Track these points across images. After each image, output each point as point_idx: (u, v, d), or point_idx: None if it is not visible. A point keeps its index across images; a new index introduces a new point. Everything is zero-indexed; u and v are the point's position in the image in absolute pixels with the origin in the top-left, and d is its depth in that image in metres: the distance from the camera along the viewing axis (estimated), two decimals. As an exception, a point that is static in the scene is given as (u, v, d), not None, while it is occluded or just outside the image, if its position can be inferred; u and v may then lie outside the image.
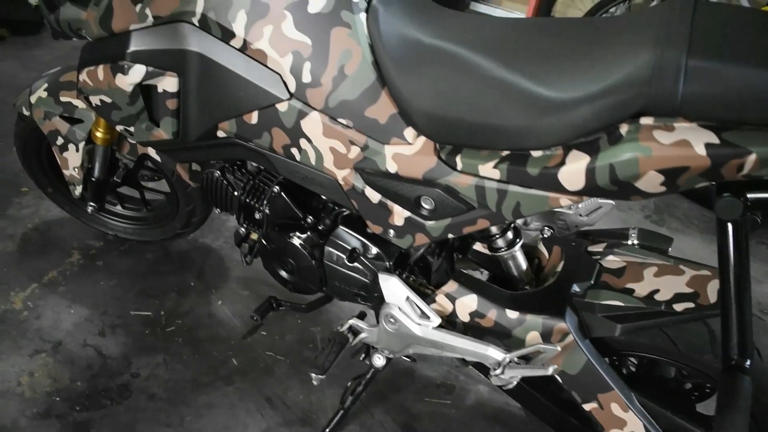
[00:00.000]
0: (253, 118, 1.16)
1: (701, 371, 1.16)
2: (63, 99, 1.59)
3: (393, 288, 1.28)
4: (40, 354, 1.65)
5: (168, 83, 1.18)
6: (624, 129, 0.86)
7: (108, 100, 1.26)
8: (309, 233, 1.37)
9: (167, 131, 1.26)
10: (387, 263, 1.32)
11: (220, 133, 1.23)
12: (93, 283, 1.88)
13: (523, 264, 1.30)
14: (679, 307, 1.08)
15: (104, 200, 1.79)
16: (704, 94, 0.77)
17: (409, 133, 1.06)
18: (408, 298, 1.28)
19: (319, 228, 1.38)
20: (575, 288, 1.20)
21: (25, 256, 1.94)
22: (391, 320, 1.31)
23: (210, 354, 1.71)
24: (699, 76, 0.77)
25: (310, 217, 1.38)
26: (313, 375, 1.37)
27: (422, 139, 1.06)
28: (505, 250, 1.27)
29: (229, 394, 1.62)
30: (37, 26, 3.35)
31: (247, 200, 1.46)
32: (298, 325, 1.84)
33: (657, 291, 1.14)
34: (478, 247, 1.38)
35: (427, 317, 1.27)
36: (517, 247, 1.27)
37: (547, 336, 1.19)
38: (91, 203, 1.75)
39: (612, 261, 1.24)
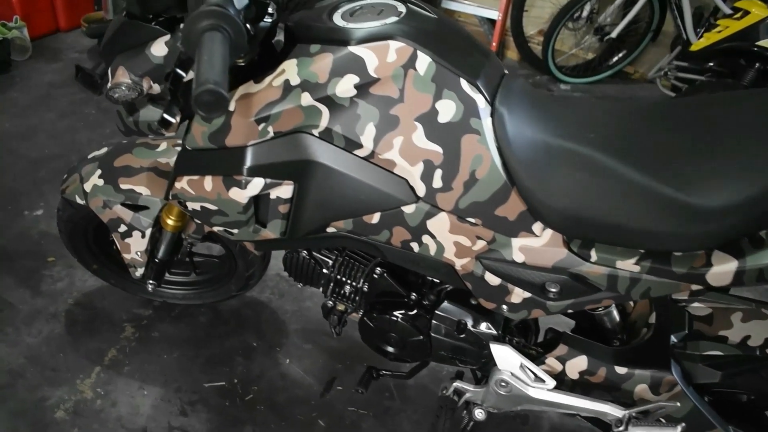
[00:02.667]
0: (374, 218, 1.16)
1: None
2: (123, 186, 1.53)
3: (506, 356, 1.34)
4: (126, 444, 1.62)
5: (283, 191, 1.17)
6: (764, 233, 0.93)
7: (213, 207, 1.23)
8: (415, 310, 1.40)
9: (275, 231, 1.25)
10: (496, 332, 1.36)
11: (331, 229, 1.23)
12: (156, 357, 1.85)
13: (617, 317, 1.37)
14: None
15: (163, 277, 1.75)
16: None
17: (537, 226, 1.11)
18: (522, 364, 1.33)
19: (424, 303, 1.41)
20: (673, 339, 1.29)
21: (77, 337, 1.87)
22: (503, 384, 1.37)
23: (295, 418, 1.72)
24: None
25: (414, 293, 1.41)
26: None
27: (550, 231, 1.11)
28: (603, 309, 1.34)
29: (326, 459, 1.65)
30: (5, 65, 3.14)
31: (338, 277, 1.47)
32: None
33: (749, 337, 1.25)
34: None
35: (542, 380, 1.34)
36: (613, 304, 1.34)
37: (655, 388, 1.28)
38: (152, 282, 1.71)
39: (699, 308, 1.34)
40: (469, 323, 1.38)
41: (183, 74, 0.98)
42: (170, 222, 1.52)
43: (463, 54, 1.09)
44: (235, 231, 1.28)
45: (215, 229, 1.32)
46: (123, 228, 1.58)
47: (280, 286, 2.12)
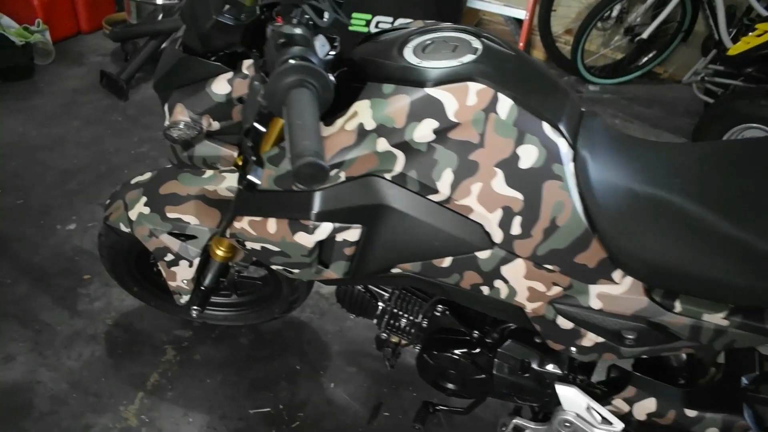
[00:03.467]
0: (445, 262, 1.12)
1: None
2: (170, 215, 1.48)
3: (572, 397, 1.30)
4: (174, 476, 1.60)
5: (350, 234, 1.12)
6: None
7: (275, 249, 1.19)
8: (477, 348, 1.36)
9: (337, 272, 1.20)
10: (561, 372, 1.32)
11: (396, 270, 1.19)
12: (199, 381, 1.81)
13: (684, 356, 1.33)
14: None
15: (208, 303, 1.71)
16: None
17: (618, 274, 1.07)
18: (588, 406, 1.29)
19: (487, 341, 1.37)
20: (744, 381, 1.25)
21: (118, 360, 1.84)
22: (567, 424, 1.33)
23: (343, 447, 1.70)
24: None
25: (476, 331, 1.37)
26: None
27: (631, 279, 1.07)
28: None
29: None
30: (29, 71, 3.10)
31: (395, 311, 1.43)
32: (414, 399, 1.84)
33: None
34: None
35: (609, 423, 1.29)
36: None
37: None
38: (196, 308, 1.67)
39: None
40: (534, 362, 1.34)
41: (263, 130, 0.93)
42: (220, 253, 1.48)
43: (544, 94, 1.04)
44: (296, 271, 1.24)
45: (274, 267, 1.28)
46: (170, 257, 1.54)
47: (320, 305, 2.09)
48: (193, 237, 1.51)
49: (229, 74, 1.09)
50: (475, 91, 0.98)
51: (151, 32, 3.04)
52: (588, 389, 1.34)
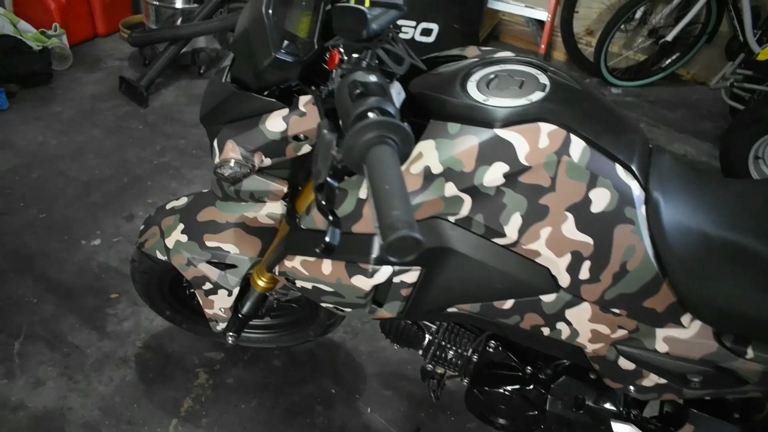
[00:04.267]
0: (506, 304, 1.08)
1: None
2: (209, 244, 1.44)
3: (628, 435, 1.26)
4: (213, 508, 1.56)
5: (408, 276, 1.08)
6: None
7: (329, 289, 1.15)
8: (531, 385, 1.32)
9: (391, 312, 1.16)
10: (617, 409, 1.28)
11: (452, 309, 1.15)
12: (233, 407, 1.78)
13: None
14: None
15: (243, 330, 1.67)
16: None
17: (686, 318, 1.03)
18: (645, 444, 1.26)
19: (540, 377, 1.33)
20: None
21: (150, 385, 1.81)
22: (625, 462, 1.29)
23: (383, 476, 1.66)
24: None
25: (529, 367, 1.33)
26: None
27: (699, 323, 1.03)
28: None
29: None
30: (46, 76, 3.04)
31: (443, 343, 1.39)
32: (453, 423, 1.80)
33: None
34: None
35: (669, 461, 1.26)
36: None
37: None
38: (233, 335, 1.64)
39: None
40: (588, 399, 1.30)
41: (336, 184, 0.88)
42: (261, 283, 1.43)
43: (615, 133, 0.99)
44: (348, 310, 1.20)
45: (324, 305, 1.24)
46: (208, 286, 1.49)
47: (352, 324, 2.04)
48: (232, 266, 1.46)
49: (285, 111, 1.04)
50: (546, 132, 0.93)
51: (172, 37, 3.00)
52: (642, 425, 1.30)
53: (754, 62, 3.04)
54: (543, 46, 3.76)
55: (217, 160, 1.07)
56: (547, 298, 1.04)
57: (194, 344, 1.93)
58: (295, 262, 1.15)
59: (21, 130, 2.73)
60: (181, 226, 1.47)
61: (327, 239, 0.76)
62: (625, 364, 1.11)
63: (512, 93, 0.97)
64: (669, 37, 3.46)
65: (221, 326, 1.62)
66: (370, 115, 0.74)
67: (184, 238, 1.45)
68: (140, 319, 1.99)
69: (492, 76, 1.02)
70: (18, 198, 2.39)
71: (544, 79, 1.00)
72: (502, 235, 0.99)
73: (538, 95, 0.96)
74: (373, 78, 0.79)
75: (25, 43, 2.90)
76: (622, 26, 3.61)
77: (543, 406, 1.33)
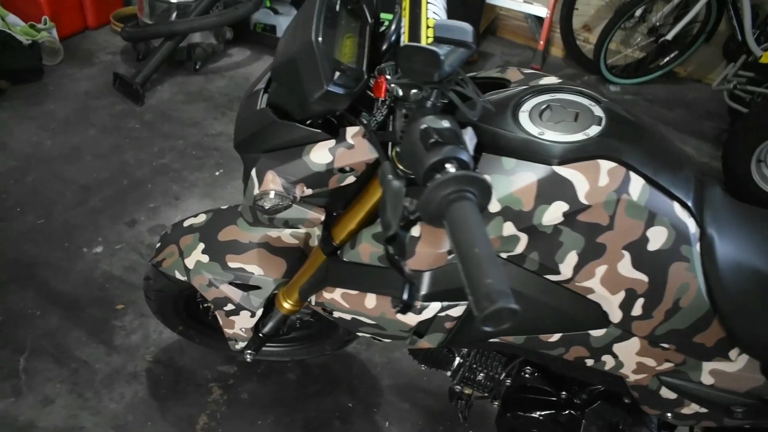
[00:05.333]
0: (553, 338, 1.06)
1: None
2: (232, 265, 1.39)
3: (664, 461, 1.26)
4: None
5: (454, 310, 1.05)
6: None
7: (370, 322, 1.11)
8: (565, 410, 1.30)
9: (432, 343, 1.14)
10: None
11: (494, 340, 1.12)
12: (250, 424, 1.74)
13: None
14: None
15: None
16: None
17: (734, 352, 1.02)
18: (681, 469, 1.25)
19: (575, 402, 1.31)
20: None
21: (163, 401, 1.76)
22: (659, 487, 1.29)
23: (405, 494, 1.64)
24: None
25: (563, 392, 1.31)
26: None
27: (747, 357, 1.02)
28: None
29: None
30: (38, 72, 2.94)
31: (473, 366, 1.37)
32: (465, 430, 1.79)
33: None
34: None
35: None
36: None
37: None
38: (251, 352, 1.60)
39: None
40: (622, 423, 1.29)
41: (406, 235, 0.84)
42: (287, 306, 1.39)
43: (672, 168, 0.97)
44: (387, 341, 1.17)
45: (360, 335, 1.20)
46: (230, 307, 1.45)
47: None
48: (256, 287, 1.42)
49: (331, 143, 0.99)
50: (606, 170, 0.90)
51: (167, 33, 2.91)
52: None
53: (755, 64, 3.04)
54: (542, 43, 3.73)
55: (256, 191, 1.03)
56: (597, 333, 1.03)
57: (205, 358, 1.88)
58: (335, 295, 1.11)
59: (14, 131, 2.63)
60: (202, 245, 1.42)
61: (405, 298, 0.73)
62: (667, 393, 1.10)
63: (568, 127, 0.94)
64: (669, 36, 3.45)
65: (240, 345, 1.58)
66: (448, 167, 0.70)
67: (205, 259, 1.41)
68: (148, 332, 1.93)
69: (544, 106, 0.98)
70: (14, 203, 2.31)
71: (598, 111, 0.97)
72: (557, 272, 0.96)
73: (594, 129, 0.93)
74: (446, 124, 0.75)
75: (14, 38, 2.79)
76: (622, 25, 3.59)
77: (576, 430, 1.32)
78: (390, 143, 0.97)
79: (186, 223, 1.50)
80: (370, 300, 1.07)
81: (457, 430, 1.79)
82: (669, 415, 1.16)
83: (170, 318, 1.70)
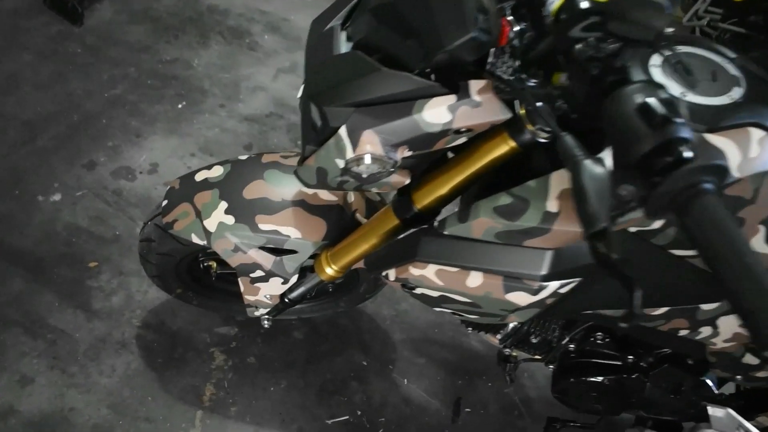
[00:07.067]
0: (659, 311, 0.98)
1: None
2: (263, 227, 1.21)
3: (724, 418, 1.24)
4: None
5: (565, 288, 0.94)
6: None
7: (466, 300, 0.98)
8: (631, 373, 1.25)
9: (522, 318, 1.03)
10: (714, 392, 1.26)
11: (587, 311, 1.04)
12: (261, 390, 1.60)
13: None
14: None
15: (281, 314, 1.47)
16: None
17: None
18: (740, 425, 1.25)
19: (641, 365, 1.26)
20: None
21: (161, 372, 1.58)
22: (715, 443, 1.28)
23: (434, 453, 1.58)
24: None
25: (629, 356, 1.26)
26: None
27: None
28: None
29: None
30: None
31: (530, 330, 1.29)
32: (491, 390, 1.73)
33: None
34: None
35: (762, 442, 1.26)
36: None
37: None
38: (269, 318, 1.44)
39: None
40: (687, 385, 1.26)
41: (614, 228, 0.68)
42: (330, 272, 1.22)
43: None
44: (475, 318, 1.05)
45: (439, 310, 1.08)
46: (259, 274, 1.27)
47: (371, 287, 1.89)
48: (290, 251, 1.25)
49: (450, 99, 0.81)
50: (756, 139, 0.79)
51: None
52: (729, 404, 1.29)
53: (729, 3, 3.00)
54: None
55: (349, 154, 0.84)
56: (708, 306, 0.96)
57: (200, 319, 1.70)
58: (426, 271, 0.96)
59: (-72, 54, 2.20)
60: (224, 204, 1.22)
61: (634, 308, 0.60)
62: (750, 359, 1.06)
63: (708, 88, 0.81)
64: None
65: (261, 312, 1.42)
66: (683, 151, 0.56)
67: (229, 220, 1.21)
68: (131, 292, 1.71)
69: (674, 60, 0.84)
70: (-56, 144, 1.95)
71: (733, 69, 0.85)
72: (687, 247, 0.86)
73: (737, 92, 0.81)
74: (665, 95, 0.60)
75: None
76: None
77: (640, 393, 1.27)
78: (518, 101, 0.81)
79: (198, 177, 1.28)
80: (475, 278, 0.93)
81: (476, 381, 1.73)
82: (739, 377, 1.13)
83: (169, 281, 1.49)
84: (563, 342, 1.28)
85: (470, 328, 1.37)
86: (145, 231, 1.36)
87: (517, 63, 0.79)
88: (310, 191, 1.24)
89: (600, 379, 1.26)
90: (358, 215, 1.29)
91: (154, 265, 1.40)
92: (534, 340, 1.32)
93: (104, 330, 1.62)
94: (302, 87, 1.04)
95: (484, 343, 1.82)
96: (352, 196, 1.30)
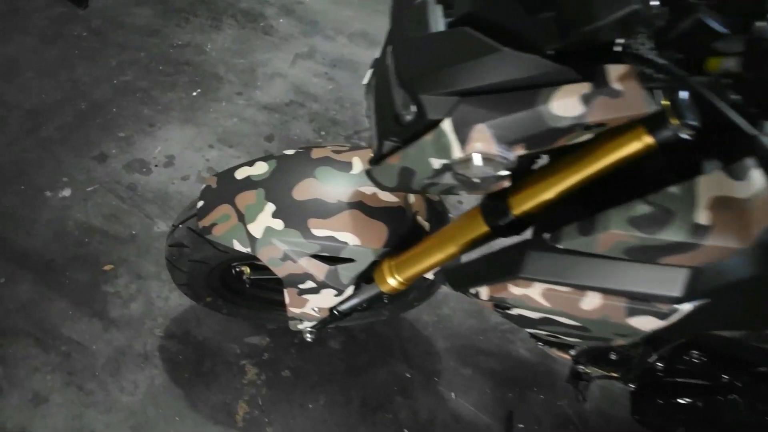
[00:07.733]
0: None
1: None
2: (318, 232, 1.06)
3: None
4: None
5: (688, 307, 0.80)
6: None
7: (570, 323, 0.84)
8: (726, 394, 1.13)
9: (629, 340, 0.90)
10: None
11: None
12: (299, 407, 1.46)
13: None
14: None
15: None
16: None
17: None
18: None
19: (737, 385, 1.13)
20: None
21: (190, 389, 1.43)
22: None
23: (488, 475, 1.45)
24: None
25: (725, 375, 1.13)
26: None
27: None
28: None
29: None
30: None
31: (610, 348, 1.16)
32: (544, 402, 1.60)
33: None
34: None
35: None
36: None
37: None
38: (313, 332, 1.30)
39: None
40: None
41: None
42: (393, 283, 1.07)
43: None
44: (575, 341, 0.91)
45: (534, 332, 0.94)
46: (310, 285, 1.12)
47: (410, 291, 1.75)
48: (348, 260, 1.10)
49: (584, 87, 0.66)
50: None
51: None
52: None
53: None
54: None
55: (457, 154, 0.69)
56: None
57: (227, 328, 1.55)
58: (531, 290, 0.82)
59: None
60: (271, 207, 1.07)
61: None
62: None
63: None
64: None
65: (305, 325, 1.27)
66: None
67: (278, 225, 1.06)
68: (151, 297, 1.56)
69: None
70: (-60, 134, 1.78)
71: None
72: None
73: None
74: None
75: None
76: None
77: (736, 415, 1.15)
78: (661, 90, 0.66)
79: (239, 174, 1.13)
80: (591, 300, 0.79)
81: (528, 394, 1.60)
82: None
83: (199, 289, 1.34)
84: (650, 359, 1.14)
85: (540, 343, 1.23)
86: (176, 235, 1.21)
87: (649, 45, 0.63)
88: (369, 191, 1.10)
89: (691, 400, 1.13)
90: (419, 218, 1.15)
91: (184, 273, 1.25)
92: (613, 357, 1.19)
93: (123, 341, 1.47)
94: (369, 72, 0.89)
95: (533, 351, 1.69)
96: (411, 197, 1.16)
